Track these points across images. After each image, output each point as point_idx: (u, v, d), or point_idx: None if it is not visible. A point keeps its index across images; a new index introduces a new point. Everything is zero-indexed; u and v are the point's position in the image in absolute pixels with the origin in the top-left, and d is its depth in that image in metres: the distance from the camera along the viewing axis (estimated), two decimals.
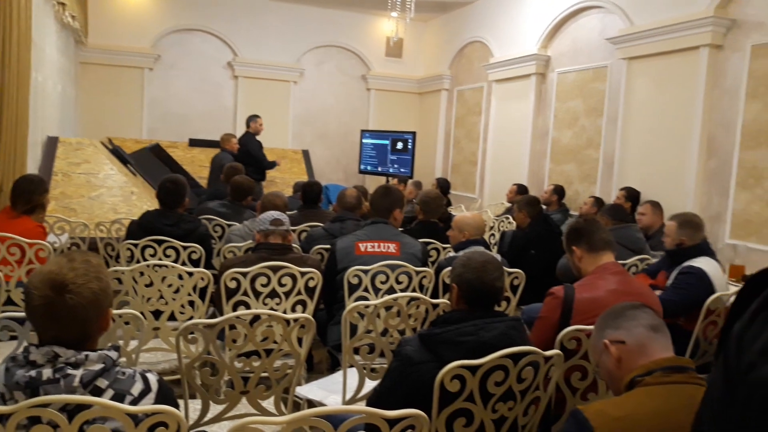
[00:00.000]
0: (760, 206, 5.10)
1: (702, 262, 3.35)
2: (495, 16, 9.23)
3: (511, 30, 8.77)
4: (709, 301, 3.06)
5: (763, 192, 5.11)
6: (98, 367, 1.45)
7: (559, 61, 7.88)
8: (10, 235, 3.45)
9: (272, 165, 8.39)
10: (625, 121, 6.57)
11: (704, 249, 3.47)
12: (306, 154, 10.54)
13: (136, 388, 1.49)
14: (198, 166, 9.15)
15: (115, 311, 2.33)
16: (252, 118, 8.41)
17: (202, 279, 3.17)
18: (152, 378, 1.55)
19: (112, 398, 1.44)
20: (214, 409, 2.25)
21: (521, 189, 7.44)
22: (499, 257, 3.69)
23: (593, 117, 7.19)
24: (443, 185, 8.51)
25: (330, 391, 2.80)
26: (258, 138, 8.38)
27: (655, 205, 5.25)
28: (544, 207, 5.90)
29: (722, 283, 3.42)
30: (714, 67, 5.59)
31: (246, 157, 7.89)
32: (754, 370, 0.73)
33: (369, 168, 10.73)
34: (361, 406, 1.80)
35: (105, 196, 5.99)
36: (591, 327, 1.91)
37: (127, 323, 2.39)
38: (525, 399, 1.95)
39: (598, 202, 6.18)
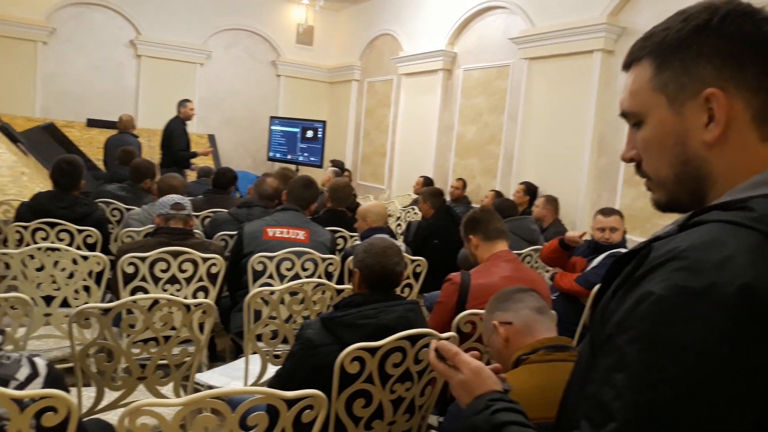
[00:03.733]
0: (644, 202, 5.50)
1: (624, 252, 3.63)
2: (405, 10, 9.36)
3: (421, 25, 8.93)
4: (595, 288, 3.29)
5: (646, 189, 5.51)
6: None
7: (465, 58, 8.11)
8: None
9: (191, 155, 7.78)
10: (524, 118, 6.87)
11: (624, 242, 3.85)
12: (212, 138, 10.28)
13: (22, 373, 1.43)
14: (96, 147, 8.70)
15: (1, 294, 2.22)
16: (182, 103, 7.84)
17: (98, 263, 3.06)
18: (40, 362, 1.49)
19: None
20: (110, 396, 2.19)
21: (427, 181, 7.62)
22: (404, 246, 3.79)
23: (495, 114, 7.47)
24: (339, 165, 8.48)
25: (232, 378, 2.79)
26: (187, 123, 7.83)
27: (549, 200, 5.56)
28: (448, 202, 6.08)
29: None
30: (606, 71, 5.96)
31: (166, 143, 7.51)
32: (610, 340, 0.83)
33: (278, 155, 10.61)
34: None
35: None
36: (484, 311, 2.02)
37: (14, 308, 2.27)
38: (422, 380, 2.03)
39: (498, 195, 6.45)
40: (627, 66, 0.97)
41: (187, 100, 7.93)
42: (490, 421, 1.02)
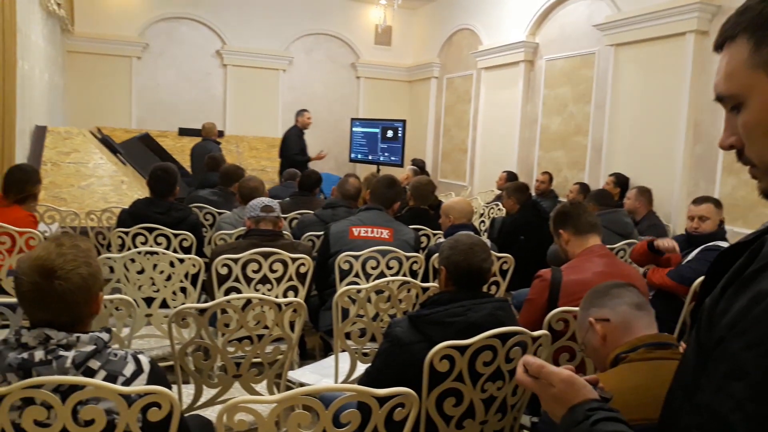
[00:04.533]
0: (746, 191, 5.16)
1: (724, 245, 3.44)
2: (484, 3, 9.22)
3: (500, 17, 8.77)
4: (696, 283, 3.11)
5: (748, 177, 5.10)
6: (90, 348, 1.47)
7: (547, 48, 7.90)
8: (0, 224, 3.44)
9: (306, 160, 8.27)
10: (612, 107, 6.60)
11: (722, 234, 3.63)
12: None
13: (129, 369, 1.51)
14: (188, 155, 9.08)
15: (106, 296, 2.35)
16: (299, 113, 8.48)
17: (194, 265, 3.19)
18: (144, 359, 1.56)
19: (105, 379, 1.45)
20: (207, 393, 2.27)
21: (511, 176, 7.47)
22: (489, 243, 3.73)
23: (581, 104, 7.22)
24: (420, 165, 8.50)
25: (322, 375, 2.83)
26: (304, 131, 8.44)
27: (642, 191, 5.31)
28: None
29: None
30: (700, 53, 5.63)
31: (284, 150, 8.08)
32: (723, 344, 0.76)
33: (360, 156, 10.73)
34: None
35: (95, 186, 5.97)
36: (578, 308, 1.94)
37: (118, 309, 2.40)
38: (514, 379, 1.98)
39: (584, 188, 6.23)
40: (719, 46, 0.88)
41: (304, 110, 8.52)
42: None
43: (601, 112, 6.82)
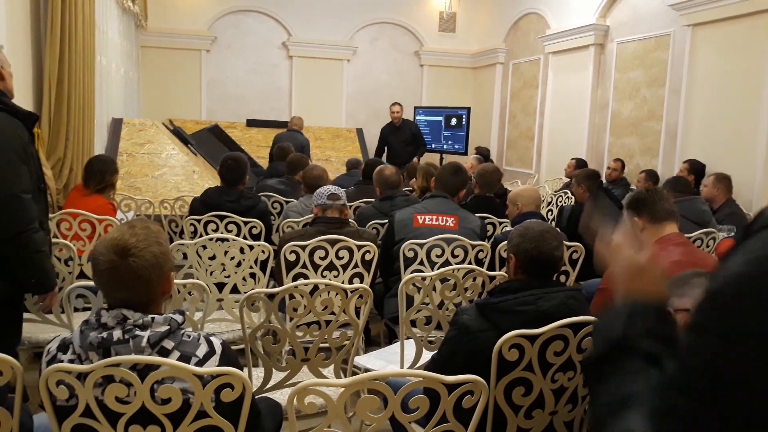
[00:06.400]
0: None
1: None
2: None
3: (568, 0, 8.52)
4: None
5: None
6: (164, 328, 1.52)
7: (618, 31, 7.61)
8: (81, 211, 3.61)
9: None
10: (689, 91, 6.31)
11: None
12: (360, 132, 10.57)
13: (201, 350, 1.55)
14: (256, 146, 9.32)
15: (180, 281, 2.43)
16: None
17: (263, 252, 3.25)
18: (216, 341, 1.60)
19: (178, 359, 1.49)
20: (276, 376, 2.32)
21: (580, 163, 7.27)
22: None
23: (655, 87, 6.93)
24: (484, 154, 8.39)
25: (388, 362, 2.84)
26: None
27: (720, 178, 5.05)
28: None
29: None
30: None
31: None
32: None
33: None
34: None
35: (168, 175, 6.19)
36: None
37: (191, 294, 2.48)
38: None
39: (651, 175, 5.99)
40: None
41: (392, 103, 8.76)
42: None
43: (676, 96, 6.52)
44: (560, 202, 6.13)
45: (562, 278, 3.46)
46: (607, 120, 7.75)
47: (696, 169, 5.85)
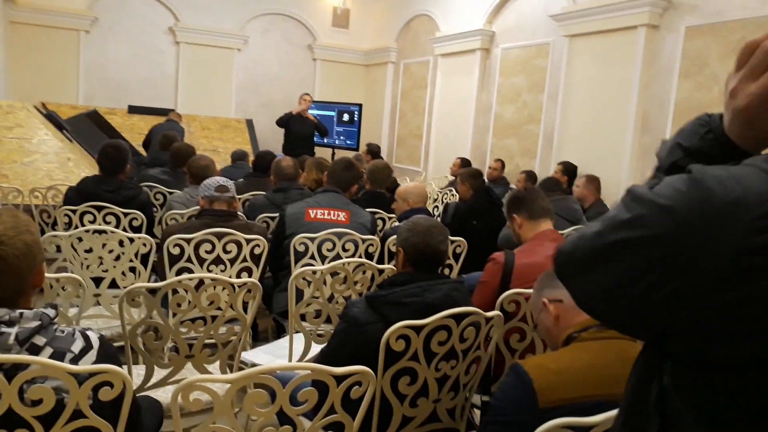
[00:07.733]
0: None
1: None
2: None
3: (458, 4, 8.81)
4: None
5: None
6: (34, 324, 1.41)
7: (503, 37, 7.98)
8: None
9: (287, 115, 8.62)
10: (565, 97, 6.73)
11: None
12: (250, 123, 10.37)
13: (77, 346, 1.46)
14: (137, 133, 8.86)
15: (53, 275, 2.28)
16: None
17: (144, 245, 3.12)
18: (93, 335, 1.51)
19: (51, 356, 1.39)
20: (159, 373, 2.24)
21: (465, 162, 7.55)
22: None
23: (535, 93, 7.34)
24: (374, 150, 8.50)
25: (276, 356, 2.82)
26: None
27: (591, 179, 5.45)
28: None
29: None
30: (650, 47, 5.79)
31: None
32: None
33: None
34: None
35: (39, 162, 5.76)
36: (530, 291, 1.99)
37: (65, 288, 2.33)
38: (467, 358, 2.02)
39: (531, 176, 6.36)
40: None
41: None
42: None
43: (554, 101, 6.95)
44: (445, 199, 6.35)
45: (446, 272, 3.60)
46: (491, 122, 8.11)
47: (569, 170, 6.26)
